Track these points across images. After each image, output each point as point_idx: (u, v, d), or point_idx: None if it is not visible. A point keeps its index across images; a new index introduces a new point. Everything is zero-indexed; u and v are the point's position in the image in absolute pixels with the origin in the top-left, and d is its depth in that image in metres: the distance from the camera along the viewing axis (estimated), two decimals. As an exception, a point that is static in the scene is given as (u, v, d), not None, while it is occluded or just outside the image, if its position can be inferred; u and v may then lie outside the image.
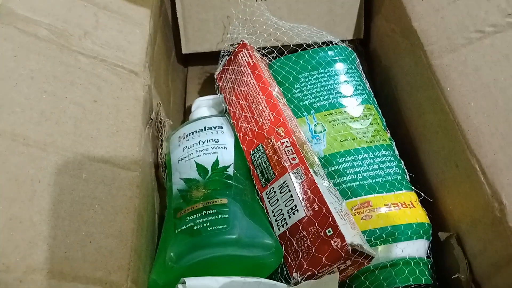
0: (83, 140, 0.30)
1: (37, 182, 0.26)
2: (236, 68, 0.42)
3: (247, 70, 0.41)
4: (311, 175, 0.32)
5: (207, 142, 0.39)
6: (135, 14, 0.41)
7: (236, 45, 0.44)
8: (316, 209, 0.30)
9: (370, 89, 0.44)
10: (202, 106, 0.46)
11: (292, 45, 0.48)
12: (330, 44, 0.46)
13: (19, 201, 0.25)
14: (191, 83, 0.57)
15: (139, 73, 0.37)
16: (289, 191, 0.32)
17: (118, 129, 0.32)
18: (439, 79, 0.37)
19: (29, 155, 0.27)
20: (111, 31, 0.38)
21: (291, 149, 0.34)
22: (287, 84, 0.43)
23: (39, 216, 0.25)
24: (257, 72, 0.40)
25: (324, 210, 0.30)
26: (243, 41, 0.44)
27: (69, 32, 0.36)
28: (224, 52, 0.46)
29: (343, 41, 0.49)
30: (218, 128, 0.40)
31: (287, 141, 0.35)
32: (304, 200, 0.31)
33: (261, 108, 0.38)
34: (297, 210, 0.31)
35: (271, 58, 0.47)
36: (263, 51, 0.47)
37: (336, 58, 0.44)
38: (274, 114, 0.37)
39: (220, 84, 0.44)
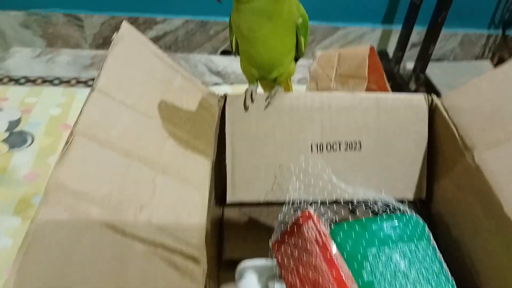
0: None
1: None
2: (300, 243, 0.37)
3: (316, 250, 0.36)
4: None
5: None
6: (193, 175, 0.37)
7: (300, 213, 0.39)
8: None
9: (448, 273, 0.38)
10: (250, 273, 0.40)
11: (350, 205, 0.44)
12: (392, 208, 0.42)
13: None
14: (228, 227, 0.51)
15: (198, 258, 0.31)
16: None
17: None
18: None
19: None
20: (169, 199, 0.33)
21: None
22: (355, 264, 0.37)
23: None
24: (329, 255, 0.35)
25: None
26: (308, 210, 0.39)
27: (124, 206, 0.31)
28: (282, 216, 0.41)
29: (401, 201, 0.45)
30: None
31: None
32: None
33: (337, 305, 0.32)
34: None
35: (327, 218, 0.42)
36: (319, 208, 0.42)
37: (409, 231, 0.39)
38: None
39: (278, 257, 0.38)
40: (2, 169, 0.56)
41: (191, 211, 0.34)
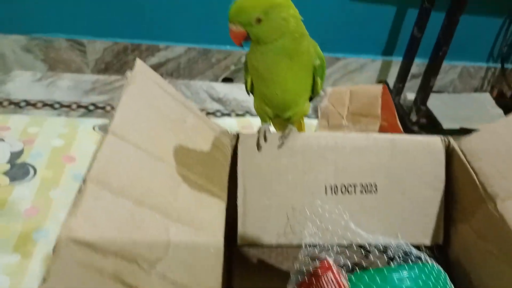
0: None
1: None
2: (319, 296, 0.35)
3: (337, 305, 0.34)
4: None
5: None
6: (208, 223, 0.35)
7: (318, 264, 0.38)
8: None
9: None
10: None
11: (370, 254, 0.42)
12: (413, 257, 0.40)
13: None
14: (237, 269, 0.49)
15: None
16: None
17: None
18: None
19: None
20: (184, 252, 0.32)
21: None
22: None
23: None
24: (351, 311, 0.33)
25: None
26: (327, 260, 0.37)
27: (138, 260, 0.29)
28: (299, 265, 0.39)
29: (418, 247, 0.43)
30: None
31: None
32: None
33: None
34: None
35: (344, 264, 0.40)
36: (337, 255, 0.41)
37: (431, 283, 0.37)
38: None
39: (296, 310, 0.37)
40: (2, 202, 0.54)
41: (207, 263, 0.32)
